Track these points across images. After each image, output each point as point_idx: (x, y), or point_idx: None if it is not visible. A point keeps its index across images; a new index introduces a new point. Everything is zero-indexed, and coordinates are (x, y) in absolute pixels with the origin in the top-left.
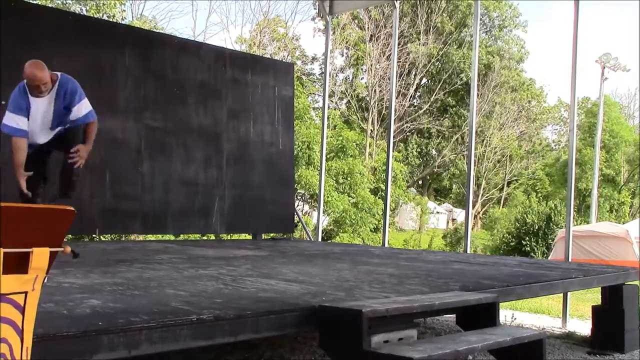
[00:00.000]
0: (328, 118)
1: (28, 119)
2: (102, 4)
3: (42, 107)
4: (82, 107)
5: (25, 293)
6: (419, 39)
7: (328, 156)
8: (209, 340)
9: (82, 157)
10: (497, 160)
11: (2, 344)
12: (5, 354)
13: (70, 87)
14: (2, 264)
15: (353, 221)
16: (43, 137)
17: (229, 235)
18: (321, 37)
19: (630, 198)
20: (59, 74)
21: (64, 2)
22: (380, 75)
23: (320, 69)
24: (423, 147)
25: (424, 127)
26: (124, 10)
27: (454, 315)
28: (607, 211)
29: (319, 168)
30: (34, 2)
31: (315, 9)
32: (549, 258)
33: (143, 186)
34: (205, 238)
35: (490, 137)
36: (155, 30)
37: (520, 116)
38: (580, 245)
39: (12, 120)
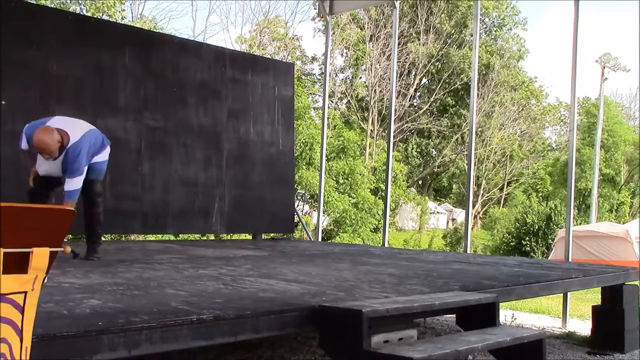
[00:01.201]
0: (328, 118)
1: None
2: (102, 3)
3: (51, 166)
4: (68, 184)
5: (25, 293)
6: (419, 39)
7: (329, 156)
8: (209, 340)
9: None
10: (497, 160)
11: (2, 344)
12: (5, 354)
13: (70, 161)
14: (2, 264)
15: (353, 221)
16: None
17: (229, 235)
18: (321, 37)
19: (630, 198)
20: (72, 141)
21: (64, 2)
22: (380, 75)
23: (320, 69)
24: (423, 147)
25: (424, 127)
26: (124, 10)
27: (454, 315)
28: (607, 211)
29: (319, 168)
30: (34, 2)
31: (315, 9)
32: (549, 258)
33: (143, 186)
34: (205, 238)
35: (490, 137)
36: (155, 30)
37: (520, 116)
38: (580, 245)
39: (24, 145)
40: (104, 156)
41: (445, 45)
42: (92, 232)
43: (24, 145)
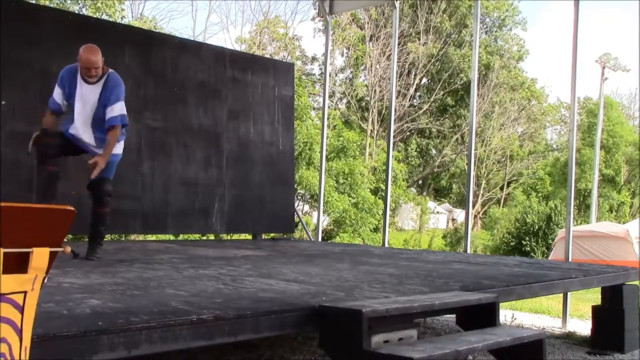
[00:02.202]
0: (328, 118)
1: (69, 102)
2: (102, 3)
3: (89, 94)
4: (113, 110)
5: (25, 293)
6: (419, 39)
7: (329, 156)
8: (209, 340)
9: (99, 169)
10: (497, 160)
11: (2, 344)
12: (5, 354)
13: (110, 86)
14: (2, 264)
15: (353, 221)
16: (82, 133)
17: (229, 235)
18: (321, 37)
19: (630, 198)
20: (110, 69)
21: (63, 2)
22: (380, 75)
23: (320, 69)
24: (423, 147)
25: (424, 127)
26: (124, 10)
27: (454, 315)
28: (607, 211)
29: (319, 168)
30: (34, 2)
31: (315, 9)
32: (549, 258)
33: (143, 186)
34: (205, 238)
35: (490, 137)
36: (155, 30)
37: (520, 116)
38: (580, 245)
39: (58, 96)
40: (118, 149)
41: (445, 45)
42: (95, 232)
43: (56, 94)
